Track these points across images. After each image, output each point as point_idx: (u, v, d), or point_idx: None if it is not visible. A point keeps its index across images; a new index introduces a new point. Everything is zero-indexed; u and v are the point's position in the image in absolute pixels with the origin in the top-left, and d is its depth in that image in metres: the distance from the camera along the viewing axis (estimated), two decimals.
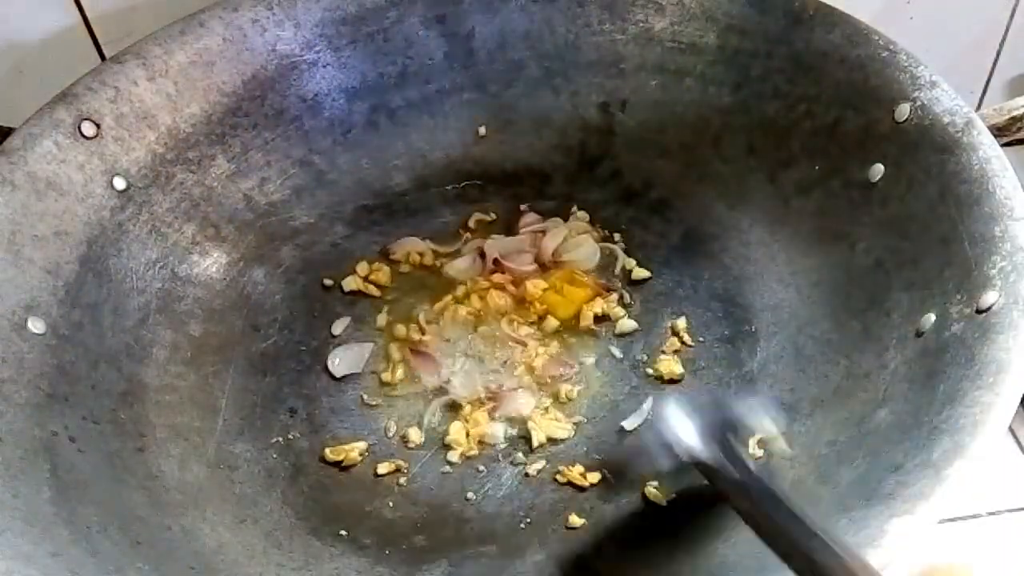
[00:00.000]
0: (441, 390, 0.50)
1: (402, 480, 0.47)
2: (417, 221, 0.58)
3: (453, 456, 0.47)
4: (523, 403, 0.49)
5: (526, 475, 0.46)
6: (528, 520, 0.45)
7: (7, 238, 0.44)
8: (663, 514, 0.44)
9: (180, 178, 0.53)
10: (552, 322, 0.52)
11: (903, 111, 0.47)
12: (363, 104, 0.58)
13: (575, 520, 0.44)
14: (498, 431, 0.48)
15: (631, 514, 0.45)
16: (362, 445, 0.48)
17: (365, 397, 0.50)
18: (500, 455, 0.47)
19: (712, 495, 0.39)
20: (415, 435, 0.48)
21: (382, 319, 0.53)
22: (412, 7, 0.57)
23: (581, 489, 0.46)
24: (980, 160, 0.43)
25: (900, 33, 0.50)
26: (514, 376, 0.50)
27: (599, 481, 0.46)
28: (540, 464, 0.47)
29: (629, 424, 0.48)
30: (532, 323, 0.52)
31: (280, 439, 0.48)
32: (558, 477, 0.46)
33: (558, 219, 0.57)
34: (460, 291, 0.54)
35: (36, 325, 0.44)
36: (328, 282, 0.55)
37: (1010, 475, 0.53)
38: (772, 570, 0.35)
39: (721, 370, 0.50)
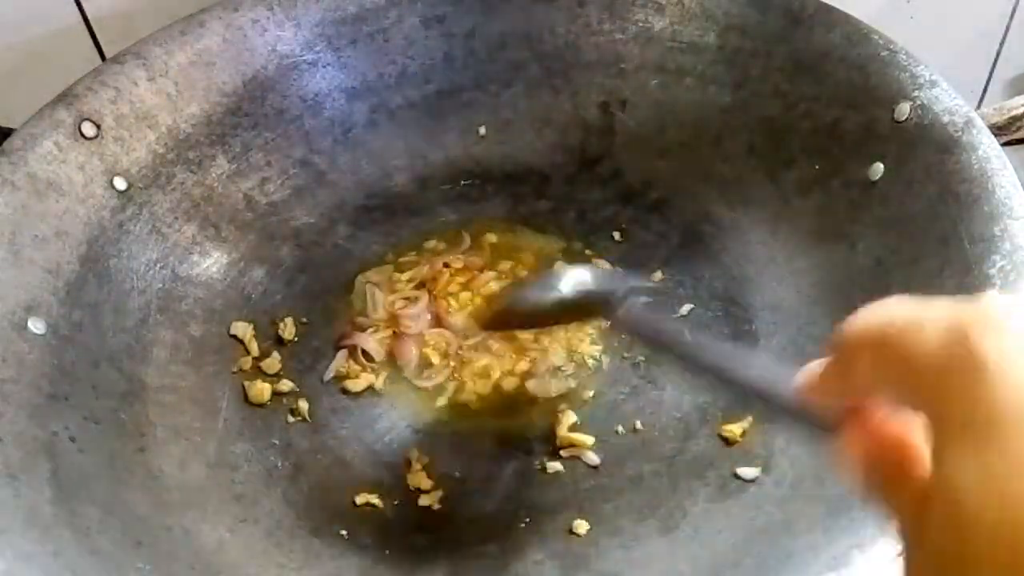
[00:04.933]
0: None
1: (403, 480, 0.47)
2: (417, 221, 0.58)
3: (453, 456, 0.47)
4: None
5: (526, 474, 0.47)
6: (528, 520, 0.45)
7: (7, 238, 0.44)
8: (662, 512, 0.44)
9: (180, 178, 0.53)
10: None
11: (903, 110, 0.47)
12: (363, 104, 0.58)
13: (575, 521, 0.44)
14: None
15: (631, 514, 0.44)
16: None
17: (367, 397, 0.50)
18: (501, 454, 0.48)
19: None
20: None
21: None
22: (412, 7, 0.57)
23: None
24: (980, 159, 0.43)
25: (900, 33, 0.50)
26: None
27: None
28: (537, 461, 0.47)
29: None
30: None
31: (280, 439, 0.48)
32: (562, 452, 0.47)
33: None
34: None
35: (37, 325, 0.44)
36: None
37: None
38: (771, 569, 0.35)
39: None
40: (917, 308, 0.20)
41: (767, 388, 0.30)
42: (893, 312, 0.20)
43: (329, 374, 0.50)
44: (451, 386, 0.50)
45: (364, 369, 0.51)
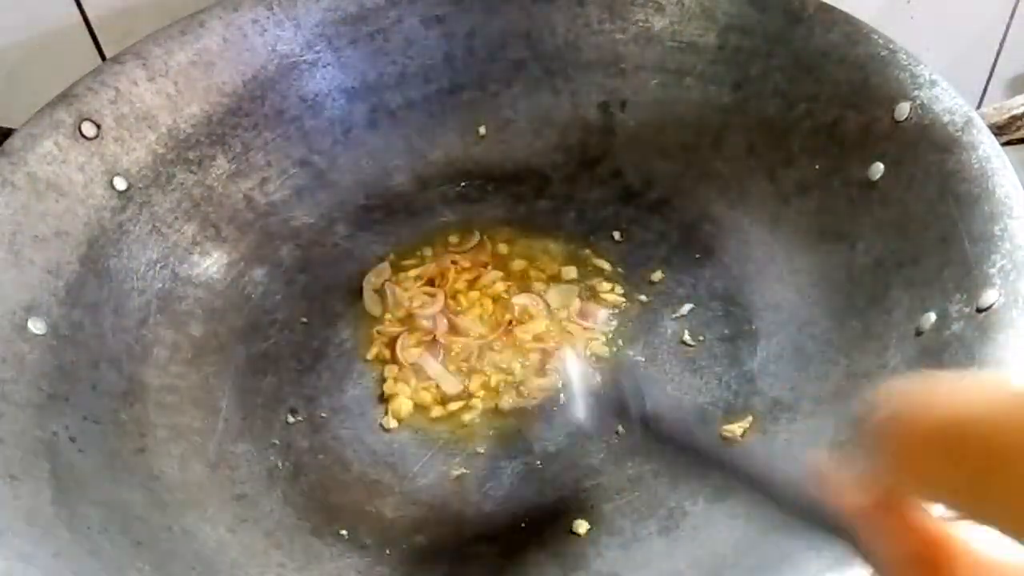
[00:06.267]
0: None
1: (403, 480, 0.47)
2: (417, 221, 0.58)
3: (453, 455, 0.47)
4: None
5: (527, 473, 0.47)
6: (528, 520, 0.45)
7: (8, 239, 0.44)
8: (662, 512, 0.44)
9: (180, 178, 0.53)
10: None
11: (903, 110, 0.47)
12: (363, 104, 0.58)
13: (575, 521, 0.44)
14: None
15: (632, 513, 0.44)
16: None
17: (367, 397, 0.50)
18: (501, 454, 0.47)
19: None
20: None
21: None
22: (412, 7, 0.57)
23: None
24: (980, 159, 0.43)
25: (900, 33, 0.50)
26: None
27: None
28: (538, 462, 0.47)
29: None
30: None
31: (280, 439, 0.48)
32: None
33: None
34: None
35: (37, 325, 0.44)
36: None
37: None
38: (771, 569, 0.35)
39: (721, 369, 0.50)
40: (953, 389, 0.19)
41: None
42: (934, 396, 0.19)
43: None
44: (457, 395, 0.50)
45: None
